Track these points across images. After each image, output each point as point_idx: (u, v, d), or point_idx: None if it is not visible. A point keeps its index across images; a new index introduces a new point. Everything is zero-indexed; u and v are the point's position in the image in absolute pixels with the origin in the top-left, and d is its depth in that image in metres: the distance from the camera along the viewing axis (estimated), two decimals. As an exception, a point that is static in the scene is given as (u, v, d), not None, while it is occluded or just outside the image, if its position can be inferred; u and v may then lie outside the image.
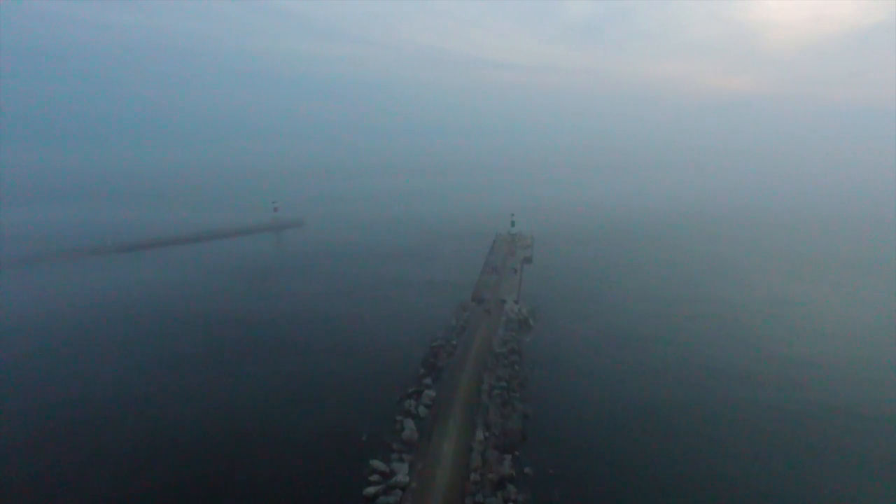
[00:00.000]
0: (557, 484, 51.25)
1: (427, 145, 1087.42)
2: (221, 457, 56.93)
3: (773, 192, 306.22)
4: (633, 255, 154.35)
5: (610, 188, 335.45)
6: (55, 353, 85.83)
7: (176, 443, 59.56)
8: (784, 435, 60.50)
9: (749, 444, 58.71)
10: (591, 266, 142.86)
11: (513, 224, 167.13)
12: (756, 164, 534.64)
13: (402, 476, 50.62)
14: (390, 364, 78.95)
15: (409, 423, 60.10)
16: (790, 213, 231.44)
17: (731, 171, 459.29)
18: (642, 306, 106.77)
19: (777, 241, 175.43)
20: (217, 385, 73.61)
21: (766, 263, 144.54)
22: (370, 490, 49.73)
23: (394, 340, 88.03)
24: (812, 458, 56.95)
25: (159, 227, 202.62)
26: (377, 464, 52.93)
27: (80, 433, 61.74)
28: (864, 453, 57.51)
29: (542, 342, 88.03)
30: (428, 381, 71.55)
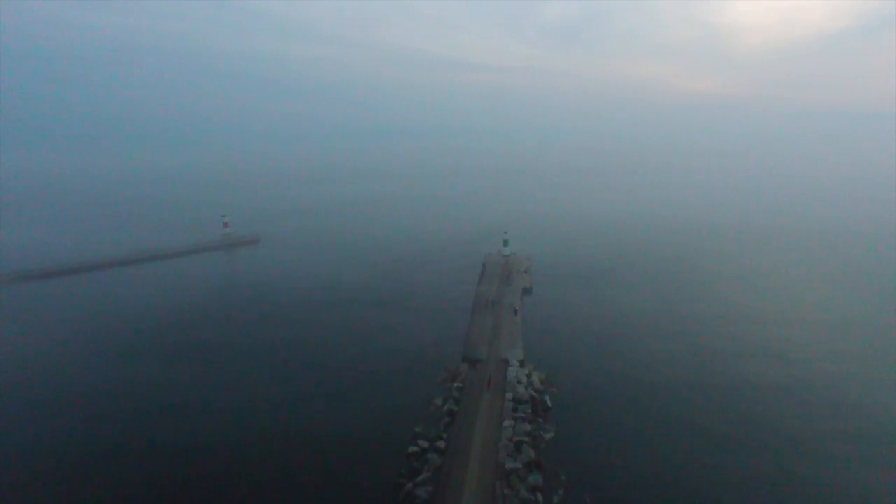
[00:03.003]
0: None
1: (405, 147, 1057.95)
2: None
3: (752, 197, 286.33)
4: (641, 274, 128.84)
5: (596, 193, 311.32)
6: None
7: None
8: None
9: None
10: (598, 293, 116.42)
11: (505, 244, 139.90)
12: (731, 167, 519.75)
13: None
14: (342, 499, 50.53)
15: None
16: (774, 217, 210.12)
17: (709, 173, 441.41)
18: (668, 348, 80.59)
19: (778, 252, 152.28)
20: None
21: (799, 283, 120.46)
22: None
23: (348, 448, 59.37)
24: None
25: (85, 247, 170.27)
26: None
27: None
28: None
29: (568, 437, 60.65)
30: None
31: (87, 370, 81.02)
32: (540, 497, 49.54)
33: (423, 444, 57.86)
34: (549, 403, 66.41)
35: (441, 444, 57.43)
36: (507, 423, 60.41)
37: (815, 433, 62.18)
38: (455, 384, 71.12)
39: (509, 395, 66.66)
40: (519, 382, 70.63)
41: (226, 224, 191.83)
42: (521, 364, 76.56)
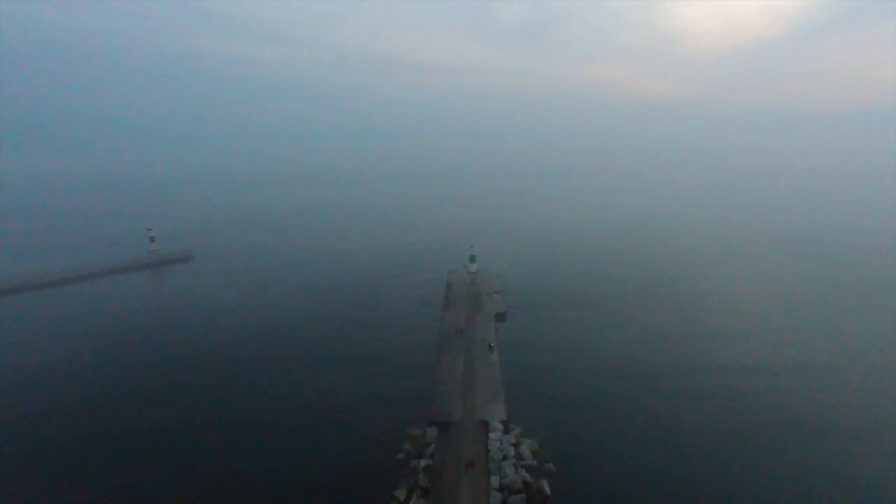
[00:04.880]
0: None
1: (360, 149, 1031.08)
2: None
3: (716, 199, 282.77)
4: (616, 285, 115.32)
5: (561, 198, 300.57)
6: None
7: None
8: None
9: None
10: (577, 315, 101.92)
11: (472, 260, 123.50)
12: (691, 169, 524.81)
13: None
14: None
15: None
16: (739, 220, 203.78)
17: (673, 175, 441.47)
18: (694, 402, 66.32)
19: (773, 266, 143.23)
20: None
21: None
22: None
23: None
24: None
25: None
26: None
27: None
28: None
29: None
30: None
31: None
32: None
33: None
34: (548, 491, 50.04)
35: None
36: (496, 530, 43.73)
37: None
38: (422, 463, 53.94)
39: (496, 482, 50.02)
40: (506, 458, 54.14)
41: (153, 239, 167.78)
42: (506, 427, 60.09)
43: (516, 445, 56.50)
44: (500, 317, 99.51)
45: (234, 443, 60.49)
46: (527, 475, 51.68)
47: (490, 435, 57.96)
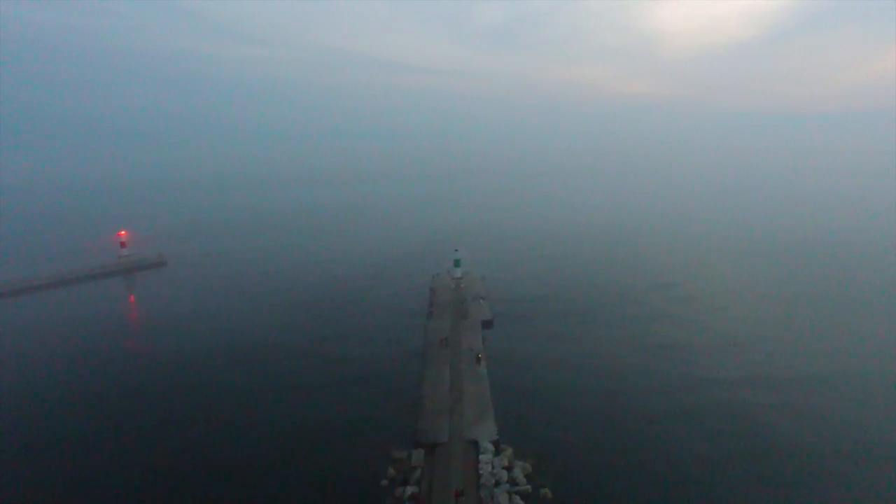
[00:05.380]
0: None
1: (338, 149, 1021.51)
2: None
3: (695, 201, 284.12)
4: (603, 289, 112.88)
5: (542, 198, 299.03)
6: None
7: None
8: None
9: None
10: (567, 320, 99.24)
11: (457, 264, 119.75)
12: (669, 169, 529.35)
13: None
14: None
15: None
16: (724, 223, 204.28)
17: (650, 177, 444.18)
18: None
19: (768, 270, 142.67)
20: None
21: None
22: None
23: None
24: None
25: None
26: None
27: None
28: None
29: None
30: None
31: None
32: None
33: None
34: (545, 521, 46.52)
35: None
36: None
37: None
38: (407, 491, 49.99)
39: (488, 511, 46.35)
40: (498, 483, 50.46)
41: (123, 244, 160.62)
42: (496, 447, 56.41)
43: (509, 469, 52.83)
44: (487, 324, 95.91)
45: (201, 471, 55.75)
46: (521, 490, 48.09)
47: (480, 457, 54.22)
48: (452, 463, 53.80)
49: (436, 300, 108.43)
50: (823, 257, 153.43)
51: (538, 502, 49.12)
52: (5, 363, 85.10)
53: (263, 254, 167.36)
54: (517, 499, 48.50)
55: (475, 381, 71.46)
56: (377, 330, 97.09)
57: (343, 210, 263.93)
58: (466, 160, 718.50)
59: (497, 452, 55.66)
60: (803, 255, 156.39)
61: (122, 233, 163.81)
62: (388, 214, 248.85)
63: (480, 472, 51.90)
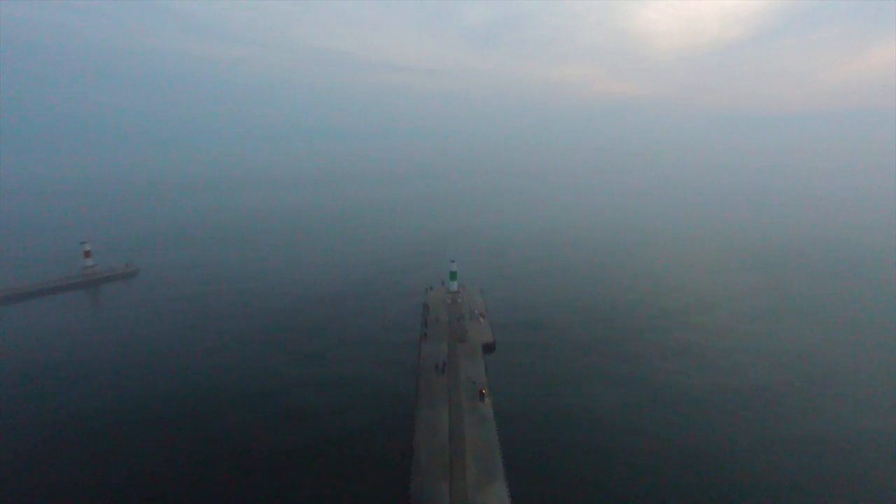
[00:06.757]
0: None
1: (324, 150, 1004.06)
2: None
3: (682, 201, 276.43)
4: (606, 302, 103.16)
5: (532, 200, 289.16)
6: None
7: None
8: None
9: None
10: (587, 345, 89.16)
11: (453, 277, 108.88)
12: (658, 170, 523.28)
13: None
14: None
15: None
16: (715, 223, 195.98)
17: (638, 177, 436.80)
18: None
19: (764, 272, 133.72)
20: None
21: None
22: None
23: None
24: None
25: None
26: None
27: None
28: None
29: None
30: None
31: None
32: None
33: None
34: None
35: None
36: None
37: None
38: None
39: None
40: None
41: (87, 253, 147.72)
42: (509, 520, 45.91)
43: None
44: (489, 348, 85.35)
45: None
46: None
47: (491, 535, 43.69)
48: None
49: (430, 318, 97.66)
50: (815, 256, 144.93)
51: None
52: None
53: (244, 263, 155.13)
54: None
55: (479, 425, 60.78)
56: (362, 354, 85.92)
57: (329, 213, 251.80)
58: (454, 159, 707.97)
59: (511, 527, 45.19)
60: (798, 256, 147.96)
61: (85, 242, 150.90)
62: (377, 217, 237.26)
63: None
